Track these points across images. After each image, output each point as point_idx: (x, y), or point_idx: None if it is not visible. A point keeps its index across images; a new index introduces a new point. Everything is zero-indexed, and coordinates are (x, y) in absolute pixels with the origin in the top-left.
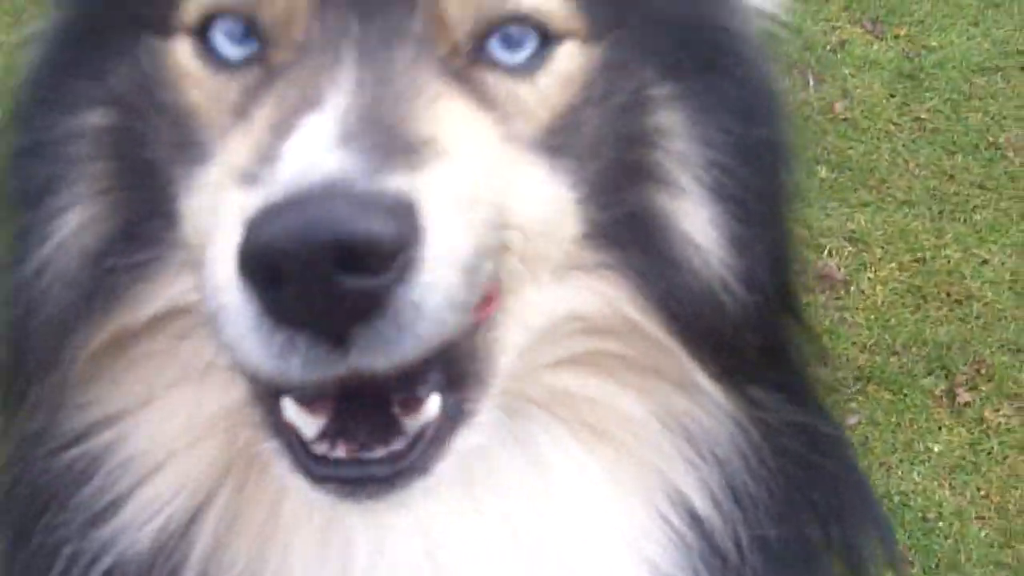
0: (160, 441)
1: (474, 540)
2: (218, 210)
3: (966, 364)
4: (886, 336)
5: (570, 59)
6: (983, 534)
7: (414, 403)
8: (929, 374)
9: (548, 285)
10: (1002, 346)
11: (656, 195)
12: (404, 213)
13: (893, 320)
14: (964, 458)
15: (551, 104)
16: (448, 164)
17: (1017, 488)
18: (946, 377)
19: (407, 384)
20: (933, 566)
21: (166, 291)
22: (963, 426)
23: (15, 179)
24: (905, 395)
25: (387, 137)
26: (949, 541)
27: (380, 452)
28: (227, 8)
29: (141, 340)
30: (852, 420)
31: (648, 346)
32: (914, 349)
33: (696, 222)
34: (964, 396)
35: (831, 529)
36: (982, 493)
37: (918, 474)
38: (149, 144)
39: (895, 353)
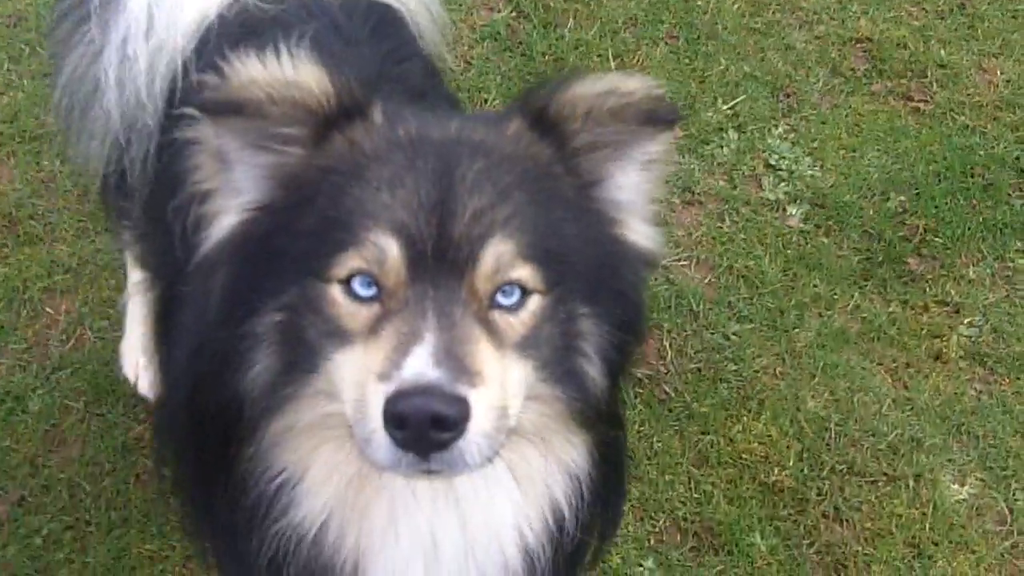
0: (318, 473)
1: (463, 501)
2: (366, 386)
3: None
4: None
5: (536, 303)
6: (736, 7)
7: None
8: None
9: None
10: None
11: (578, 359)
12: (465, 408)
13: None
14: None
15: (527, 328)
16: (484, 387)
17: None
18: None
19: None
20: (696, 37)
21: (308, 411)
22: None
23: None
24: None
25: (458, 365)
26: (707, 16)
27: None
28: (361, 271)
29: (306, 428)
30: None
31: (552, 427)
32: None
33: (594, 370)
34: None
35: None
36: None
37: None
38: (304, 332)
39: None
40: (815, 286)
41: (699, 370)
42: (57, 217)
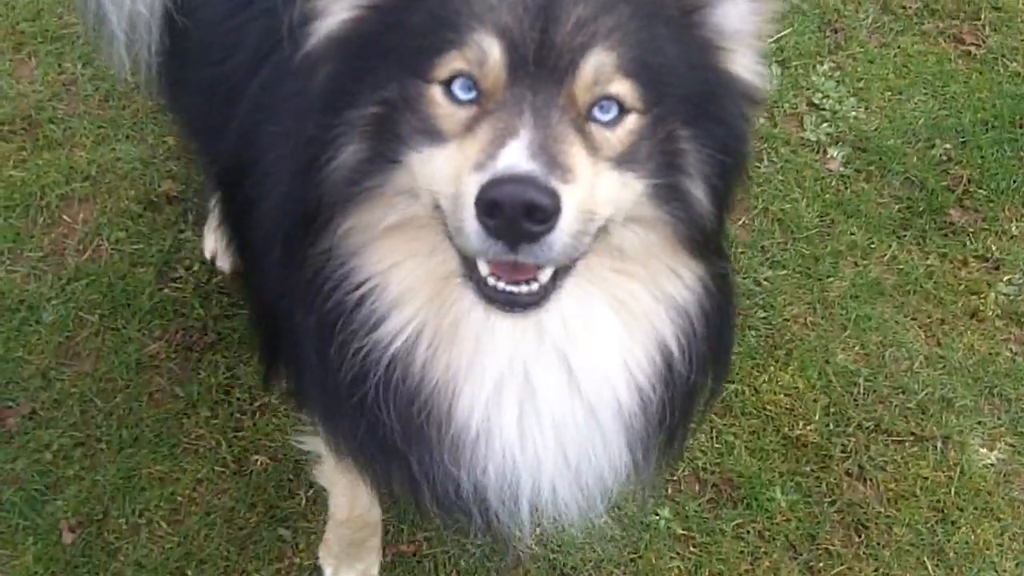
0: (403, 288)
1: (559, 339)
2: (460, 180)
3: None
4: None
5: (633, 122)
6: None
7: (539, 273)
8: None
9: (618, 227)
10: None
11: (680, 177)
12: (556, 200)
13: None
14: None
15: (624, 144)
16: (575, 184)
17: None
18: None
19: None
20: None
21: (389, 210)
22: None
23: (321, 132)
24: None
25: (551, 160)
26: None
27: (524, 288)
28: (462, 73)
29: (388, 231)
30: None
31: (659, 256)
32: None
33: (698, 190)
34: None
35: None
36: None
37: None
38: (399, 127)
39: None
40: (852, 234)
41: None
42: (77, 122)
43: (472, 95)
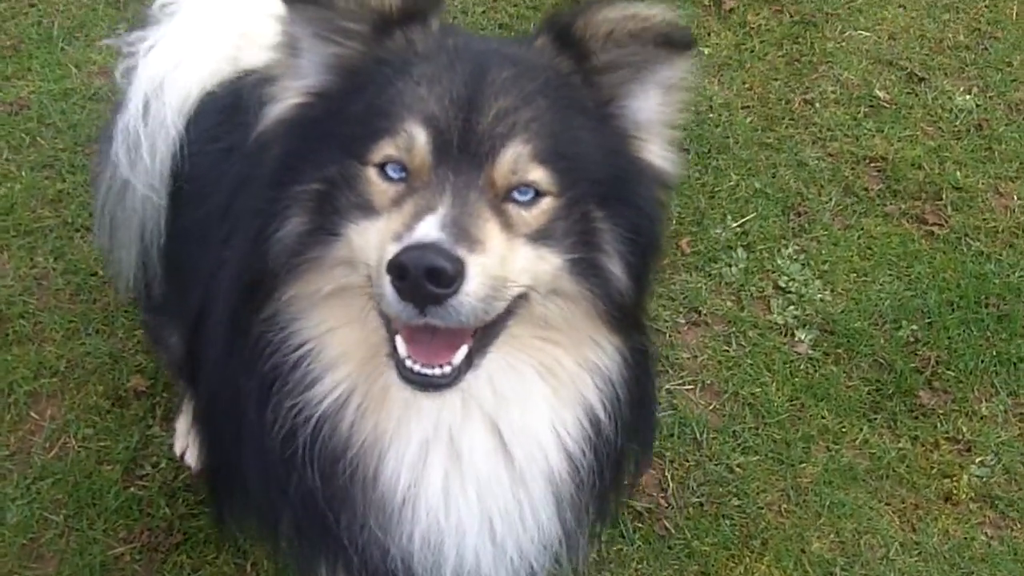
0: (338, 351)
1: (487, 404)
2: (383, 249)
3: None
4: None
5: (548, 204)
6: (748, 121)
7: (454, 353)
8: None
9: (540, 300)
10: None
11: (596, 254)
12: (459, 266)
13: None
14: (731, 57)
15: (539, 223)
16: (483, 255)
17: (776, 80)
18: None
19: (453, 344)
20: (706, 151)
21: (329, 278)
22: (729, 29)
23: (268, 206)
24: (678, 6)
25: (462, 233)
26: (719, 129)
27: (437, 371)
28: (392, 159)
29: (327, 299)
30: None
31: (580, 327)
32: None
33: (615, 267)
34: (729, 3)
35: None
36: (747, 86)
37: (691, 74)
38: (337, 202)
39: None
40: (823, 417)
41: (701, 504)
42: (48, 316)
43: (402, 175)
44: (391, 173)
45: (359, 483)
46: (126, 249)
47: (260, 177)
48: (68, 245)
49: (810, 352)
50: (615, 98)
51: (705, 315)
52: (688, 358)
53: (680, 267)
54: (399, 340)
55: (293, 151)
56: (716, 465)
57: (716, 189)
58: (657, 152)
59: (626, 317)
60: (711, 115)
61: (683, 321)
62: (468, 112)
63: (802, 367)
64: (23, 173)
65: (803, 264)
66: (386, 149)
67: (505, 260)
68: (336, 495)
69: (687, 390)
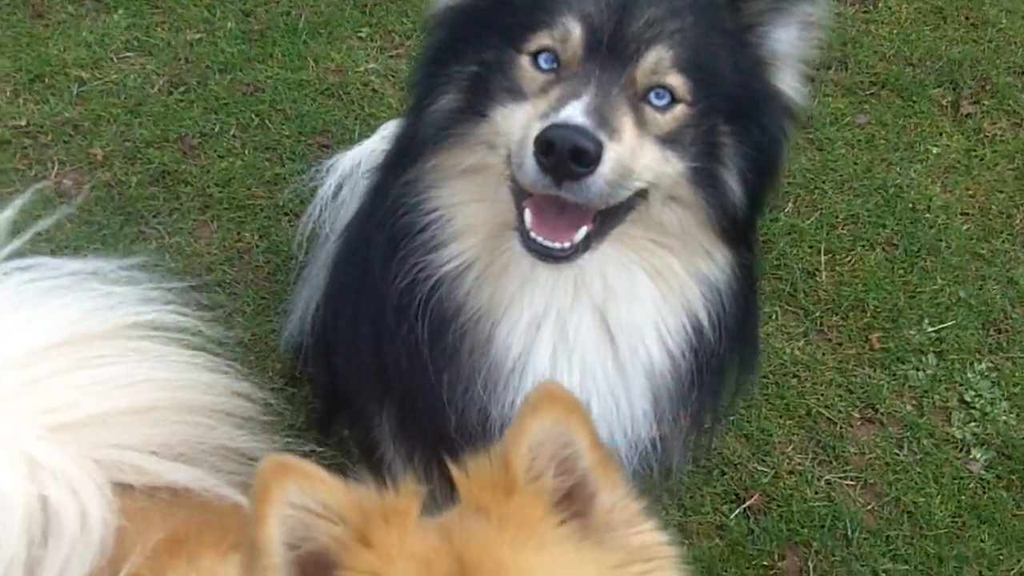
0: (466, 224)
1: (597, 295)
2: (528, 127)
3: (973, 80)
4: (904, 49)
5: (681, 111)
6: (965, 228)
7: (575, 233)
8: (938, 86)
9: (658, 203)
10: (1008, 68)
11: (717, 166)
12: (599, 150)
13: (913, 35)
14: (959, 162)
15: (670, 127)
16: (618, 143)
17: (1002, 192)
18: (953, 90)
19: (575, 224)
20: (915, 250)
21: (469, 154)
22: (962, 134)
23: (427, 81)
24: (914, 102)
25: (602, 120)
26: (933, 231)
27: (558, 245)
28: (548, 48)
29: (464, 173)
30: (862, 119)
31: (693, 235)
32: (928, 63)
33: (732, 181)
34: (967, 108)
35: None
36: (970, 193)
37: (915, 171)
38: (490, 85)
39: (910, 64)
40: (983, 540)
41: None
42: (243, 289)
43: (553, 65)
44: (543, 63)
45: (468, 347)
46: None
47: (424, 52)
48: (275, 226)
49: (983, 472)
50: (756, 25)
51: (882, 414)
52: (855, 453)
53: (865, 361)
54: (527, 213)
55: (457, 34)
56: (862, 566)
57: (918, 290)
58: (789, 83)
59: (737, 232)
60: (927, 215)
61: (857, 416)
62: (620, 15)
63: (971, 486)
64: (246, 151)
65: (994, 382)
66: (542, 40)
67: (635, 153)
68: (443, 354)
69: (848, 485)
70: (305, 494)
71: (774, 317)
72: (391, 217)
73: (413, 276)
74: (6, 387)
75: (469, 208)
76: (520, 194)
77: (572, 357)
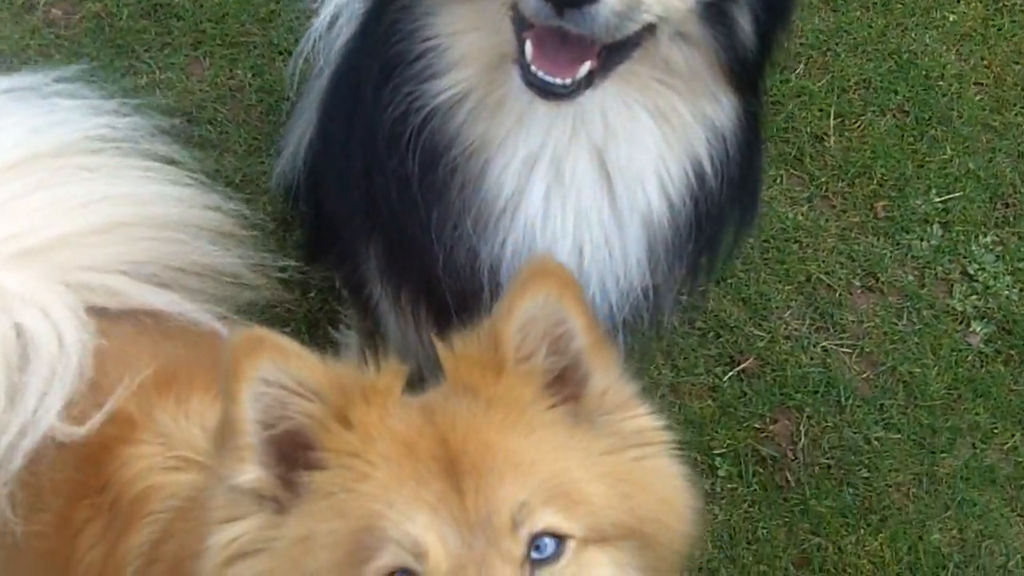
0: (463, 53)
1: (596, 135)
2: None
3: None
4: None
5: None
6: (978, 98)
7: (577, 69)
8: None
9: (666, 40)
10: None
11: (728, 3)
12: None
13: None
14: (975, 30)
15: None
16: None
17: (1018, 64)
18: None
19: (578, 59)
20: (927, 118)
21: None
22: (980, 1)
23: None
24: None
25: None
26: (945, 99)
27: (559, 80)
28: None
29: (461, 3)
30: None
31: (701, 76)
32: None
33: (743, 19)
34: None
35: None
36: (985, 63)
37: (930, 37)
38: None
39: None
40: (977, 414)
41: (829, 467)
42: (234, 129)
43: None
44: None
45: (459, 183)
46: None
47: None
48: (269, 65)
49: (981, 346)
50: None
51: (882, 283)
52: (853, 321)
53: (869, 230)
54: (528, 45)
55: None
56: (854, 433)
57: (927, 159)
58: None
59: (746, 75)
60: (941, 83)
61: (858, 284)
62: None
63: (969, 359)
64: None
65: (998, 256)
66: None
67: None
68: (433, 189)
69: (844, 352)
70: (280, 370)
71: (779, 181)
72: (385, 44)
73: (406, 106)
74: None
75: (467, 37)
76: (521, 24)
77: (566, 200)
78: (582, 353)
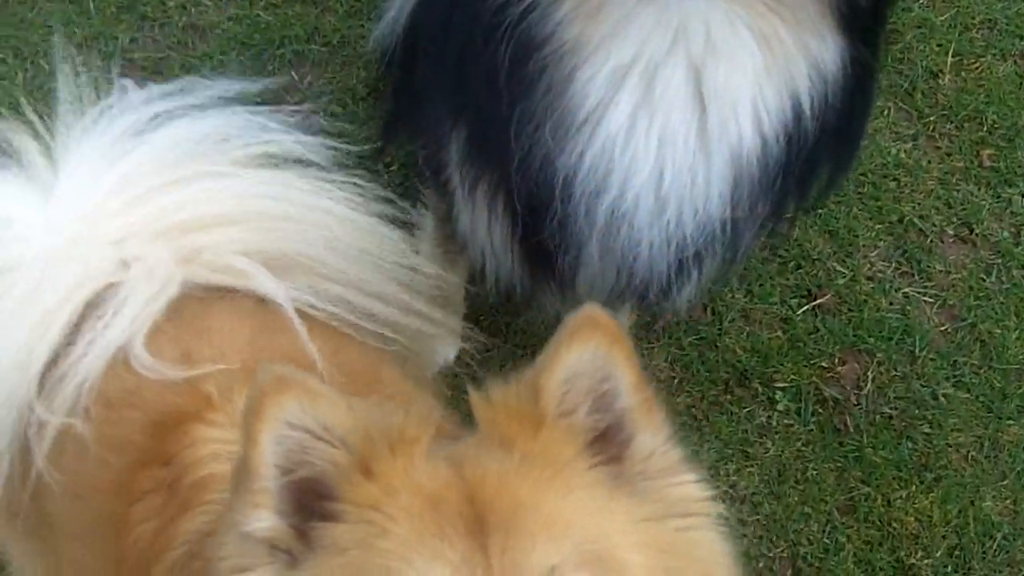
0: None
1: (696, 51)
2: None
3: None
4: None
5: None
6: None
7: None
8: None
9: None
10: None
11: None
12: None
13: None
14: None
15: None
16: None
17: None
18: None
19: None
20: None
21: None
22: None
23: None
24: None
25: None
26: None
27: None
28: None
29: None
30: None
31: (808, 9)
32: None
33: None
34: None
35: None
36: None
37: None
38: None
39: None
40: None
41: (890, 417)
42: None
43: None
44: None
45: (545, 84)
46: None
47: None
48: None
49: None
50: None
51: (976, 235)
52: (940, 271)
53: (971, 177)
54: None
55: None
56: (922, 386)
57: None
58: None
59: (856, 19)
60: None
61: (951, 232)
62: None
63: None
64: None
65: None
66: None
67: None
68: (519, 85)
69: (925, 302)
70: (305, 413)
71: (886, 113)
72: None
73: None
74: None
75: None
76: None
77: (653, 118)
78: (628, 411)
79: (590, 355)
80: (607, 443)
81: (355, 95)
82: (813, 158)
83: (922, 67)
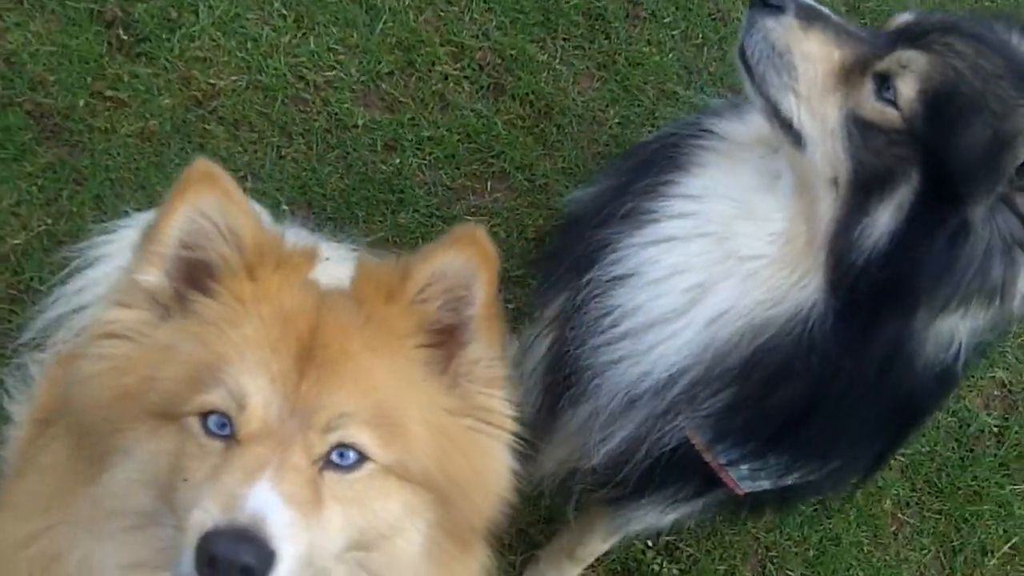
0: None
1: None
2: None
3: None
4: None
5: None
6: None
7: None
8: None
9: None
10: None
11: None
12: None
13: None
14: None
15: None
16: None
17: None
18: None
19: None
20: None
21: None
22: None
23: None
24: None
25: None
26: None
27: None
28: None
29: None
30: None
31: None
32: None
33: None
34: None
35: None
36: None
37: None
38: None
39: None
40: None
41: None
42: (571, 146)
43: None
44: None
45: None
46: None
47: None
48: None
49: None
50: None
51: None
52: None
53: None
54: None
55: None
56: None
57: None
58: None
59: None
60: None
61: None
62: None
63: None
64: None
65: None
66: None
67: None
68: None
69: None
70: (218, 210)
71: None
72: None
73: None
74: None
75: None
76: None
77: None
78: (473, 320)
79: (461, 263)
80: (448, 338)
81: (523, 230)
82: (768, 419)
83: None
